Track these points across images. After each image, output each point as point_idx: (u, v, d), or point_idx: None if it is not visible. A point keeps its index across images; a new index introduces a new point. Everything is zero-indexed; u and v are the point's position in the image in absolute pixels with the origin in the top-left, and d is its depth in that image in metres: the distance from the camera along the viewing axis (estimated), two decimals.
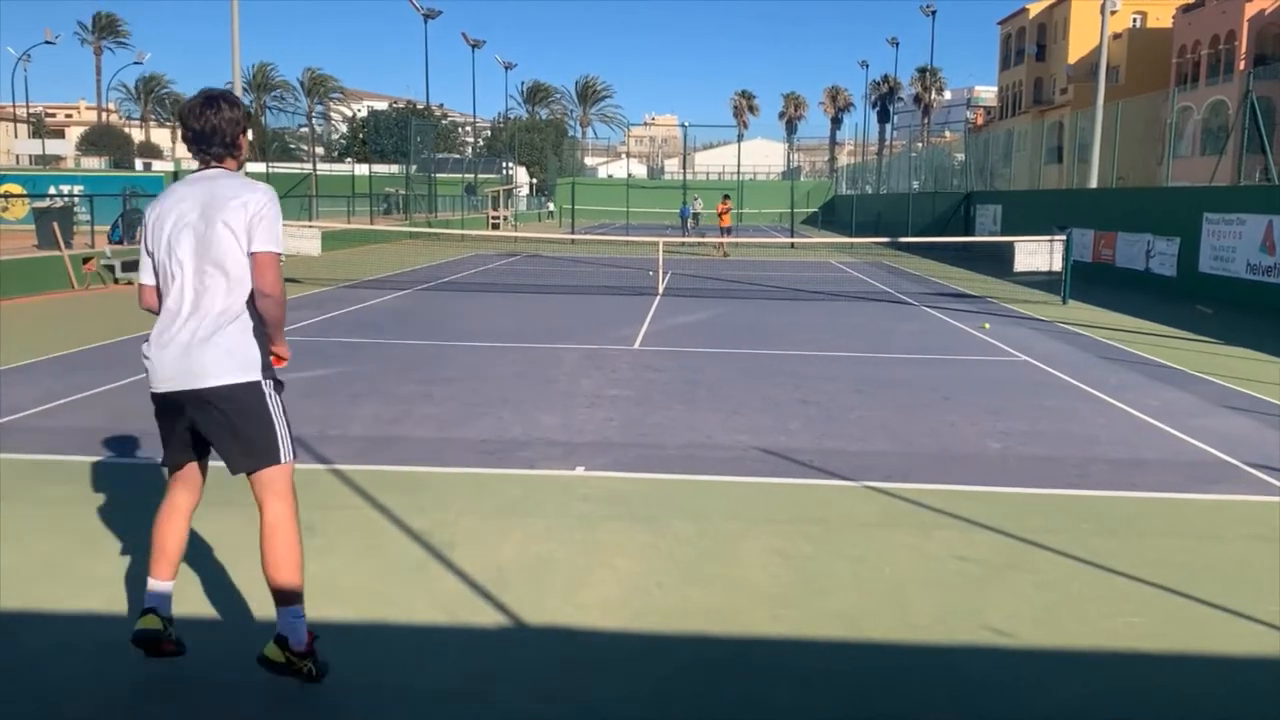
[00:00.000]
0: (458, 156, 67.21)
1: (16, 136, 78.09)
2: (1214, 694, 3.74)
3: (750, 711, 3.53)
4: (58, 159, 69.57)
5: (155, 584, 3.63)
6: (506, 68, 77.83)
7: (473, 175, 57.56)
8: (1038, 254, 18.09)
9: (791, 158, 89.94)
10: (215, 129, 3.49)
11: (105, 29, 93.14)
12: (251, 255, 3.41)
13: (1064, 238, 17.97)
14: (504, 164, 64.27)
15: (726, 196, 33.25)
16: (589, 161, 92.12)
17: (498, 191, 47.40)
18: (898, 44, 77.39)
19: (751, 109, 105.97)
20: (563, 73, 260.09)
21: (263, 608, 4.26)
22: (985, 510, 5.76)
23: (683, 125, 70.95)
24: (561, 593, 4.49)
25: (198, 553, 4.91)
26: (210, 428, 3.54)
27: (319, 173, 50.82)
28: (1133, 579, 4.76)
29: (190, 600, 4.35)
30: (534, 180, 71.24)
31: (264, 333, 3.52)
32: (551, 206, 63.71)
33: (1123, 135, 25.19)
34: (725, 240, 30.15)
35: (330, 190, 43.05)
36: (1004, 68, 72.42)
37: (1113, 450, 7.24)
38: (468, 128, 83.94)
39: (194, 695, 3.59)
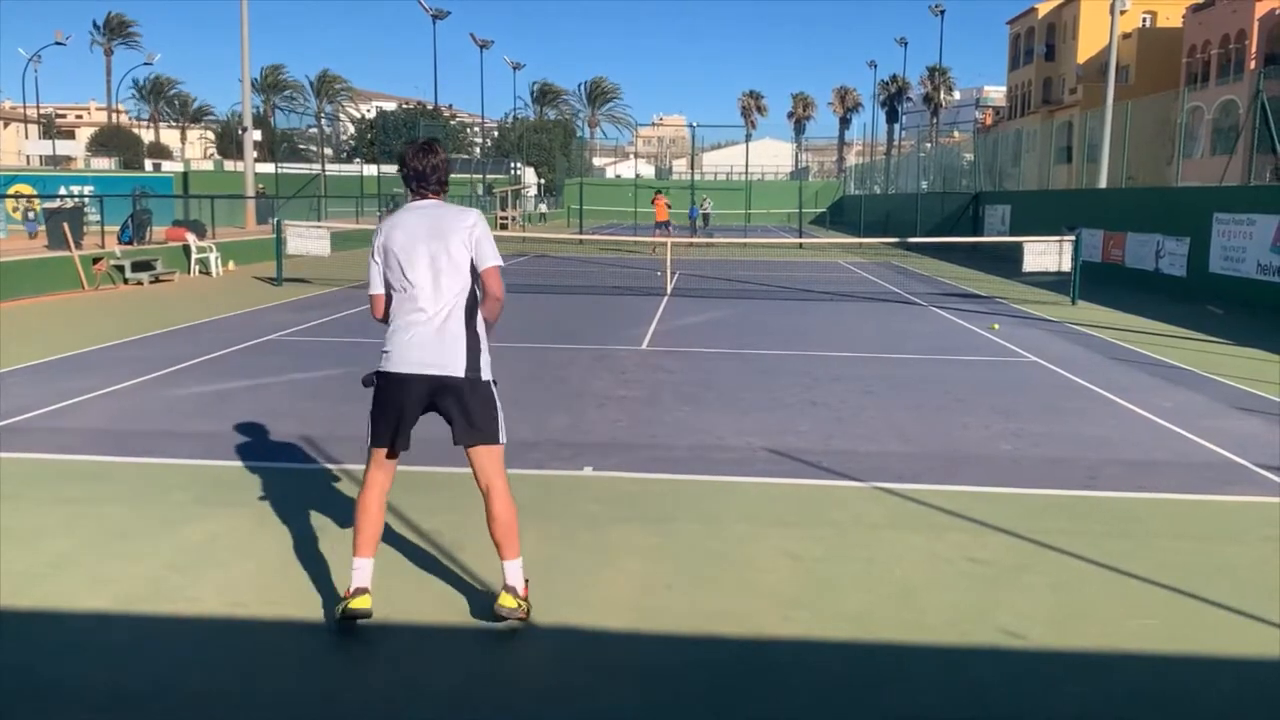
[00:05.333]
0: (466, 157, 67.20)
1: (27, 137, 78.31)
2: (1227, 696, 3.71)
3: (761, 713, 3.52)
4: (68, 160, 69.79)
5: (364, 561, 4.07)
6: (515, 68, 77.93)
7: (481, 176, 57.52)
8: (1047, 254, 18.03)
9: (800, 158, 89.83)
10: (433, 169, 4.14)
11: (116, 30, 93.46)
12: (483, 271, 4.08)
13: (1073, 238, 17.92)
14: (512, 164, 64.25)
15: (659, 192, 33.41)
16: (597, 162, 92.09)
17: (506, 192, 47.43)
18: (906, 44, 76.94)
19: (760, 109, 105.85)
20: (571, 73, 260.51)
21: (261, 609, 4.27)
22: (996, 512, 5.74)
23: (691, 125, 70.62)
24: (570, 593, 4.48)
25: (199, 553, 4.91)
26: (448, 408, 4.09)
27: (328, 173, 50.88)
28: (1145, 581, 4.74)
29: (188, 602, 4.35)
30: (542, 180, 71.17)
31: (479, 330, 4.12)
32: (544, 208, 61.96)
33: (1132, 135, 25.11)
34: (659, 238, 29.62)
35: (339, 191, 43.10)
36: (1013, 67, 72.22)
37: (1124, 452, 7.21)
38: (476, 128, 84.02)
39: (198, 697, 3.58)
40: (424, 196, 4.15)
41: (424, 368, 3.98)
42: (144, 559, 4.81)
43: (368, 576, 4.05)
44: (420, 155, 4.12)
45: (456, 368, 3.99)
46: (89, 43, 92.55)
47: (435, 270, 4.02)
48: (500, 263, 4.10)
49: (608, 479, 6.30)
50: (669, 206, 32.66)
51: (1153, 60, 54.15)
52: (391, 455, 4.19)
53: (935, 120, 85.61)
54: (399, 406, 4.06)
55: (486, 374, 4.07)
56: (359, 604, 3.97)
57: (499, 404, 4.14)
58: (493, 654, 3.93)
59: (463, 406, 4.02)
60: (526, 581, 4.16)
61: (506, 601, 4.05)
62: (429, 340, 3.99)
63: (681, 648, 4.01)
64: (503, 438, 4.14)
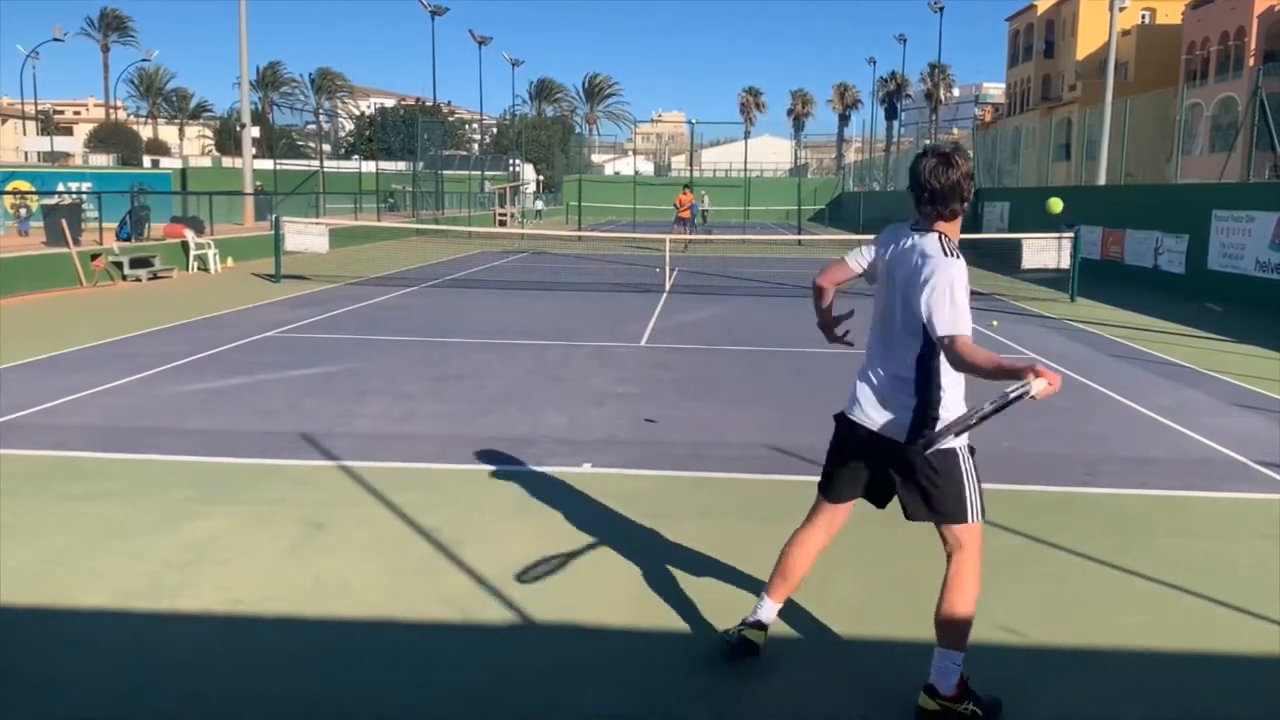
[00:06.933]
0: (464, 154, 67.16)
1: (25, 134, 78.18)
2: (1224, 693, 3.72)
3: (761, 709, 3.52)
4: (66, 156, 69.74)
5: (768, 602, 3.80)
6: (513, 65, 77.93)
7: (479, 173, 57.44)
8: (1046, 251, 18.03)
9: (799, 155, 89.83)
10: (953, 187, 3.36)
11: (113, 26, 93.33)
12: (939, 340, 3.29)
13: (1072, 235, 17.91)
14: (511, 161, 64.19)
15: (686, 186, 33.48)
16: (596, 159, 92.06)
17: (504, 189, 47.41)
18: (905, 41, 77.10)
19: (759, 106, 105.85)
20: (570, 69, 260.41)
21: (260, 606, 4.27)
22: (995, 508, 5.71)
23: (690, 122, 70.64)
24: (570, 590, 4.48)
25: (198, 550, 4.91)
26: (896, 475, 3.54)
27: (326, 170, 50.86)
28: (1143, 577, 4.74)
29: (187, 599, 4.35)
30: (540, 178, 71.10)
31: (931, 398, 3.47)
32: (540, 205, 60.90)
33: (1131, 132, 25.09)
34: (688, 236, 29.81)
35: (338, 187, 43.10)
36: (1012, 64, 72.20)
37: (1122, 448, 7.21)
38: (474, 125, 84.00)
39: (197, 695, 3.58)
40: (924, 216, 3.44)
41: (869, 422, 3.53)
42: (143, 556, 4.81)
43: (771, 613, 3.79)
44: (939, 169, 3.35)
45: (897, 431, 3.46)
46: (85, 38, 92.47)
47: (890, 314, 3.59)
48: (954, 332, 3.23)
49: (606, 475, 6.31)
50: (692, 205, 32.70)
51: (1152, 57, 54.11)
52: (832, 501, 3.80)
53: (934, 117, 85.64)
54: (844, 452, 3.66)
55: (949, 441, 3.36)
56: (754, 635, 3.73)
57: (968, 475, 3.50)
58: (493, 652, 3.93)
59: (912, 478, 3.47)
60: (964, 680, 3.45)
61: (925, 703, 3.42)
62: (874, 392, 3.56)
63: (681, 644, 4.01)
64: (973, 517, 3.51)
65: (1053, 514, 5.69)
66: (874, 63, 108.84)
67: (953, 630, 3.45)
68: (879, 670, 3.84)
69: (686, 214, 31.79)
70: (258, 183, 33.47)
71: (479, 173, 57.60)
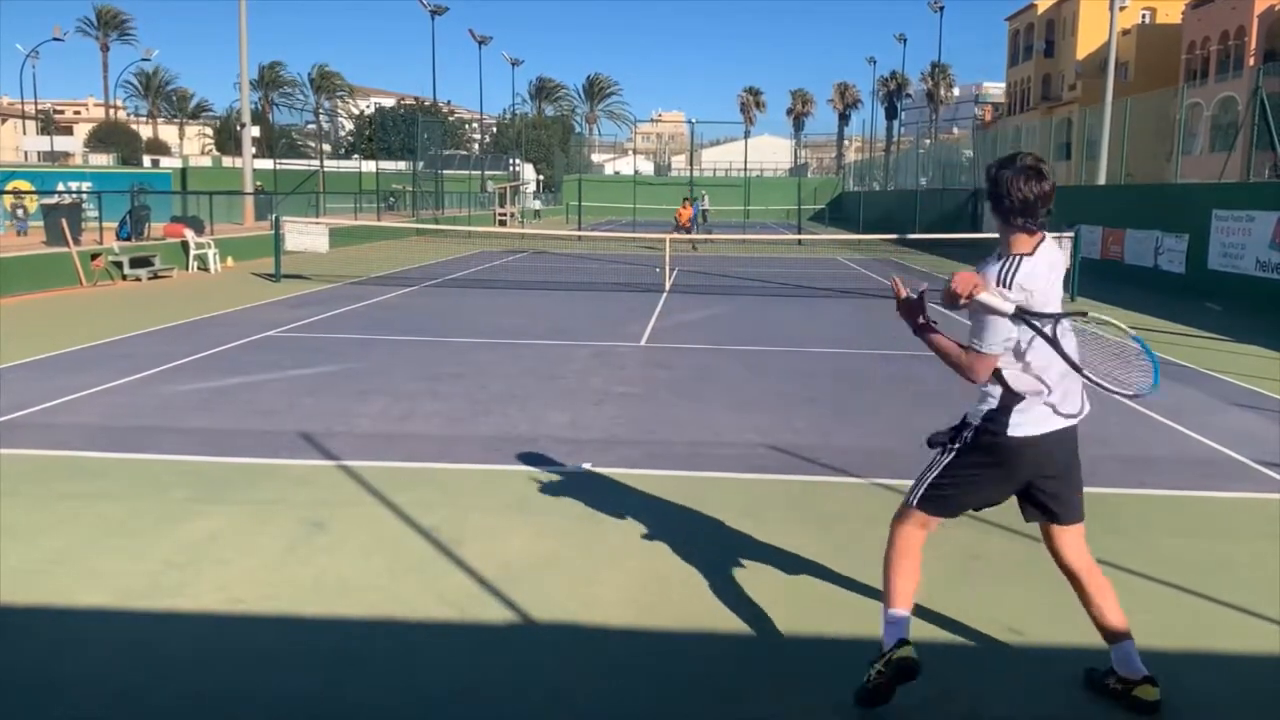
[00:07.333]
0: (464, 154, 67.16)
1: (25, 133, 78.15)
2: (1224, 692, 3.72)
3: (762, 709, 3.52)
4: (66, 156, 69.72)
5: (904, 612, 3.68)
6: (513, 64, 77.97)
7: (479, 173, 57.41)
8: None
9: (799, 154, 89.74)
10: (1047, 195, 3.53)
11: (111, 25, 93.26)
12: None
13: (1072, 234, 17.90)
14: (511, 161, 64.18)
15: (686, 199, 35.27)
16: (596, 158, 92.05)
17: (504, 189, 47.41)
18: (906, 40, 77.11)
19: (759, 105, 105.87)
20: (570, 69, 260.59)
21: (259, 605, 4.27)
22: (997, 509, 5.71)
23: (690, 122, 70.70)
24: (569, 589, 4.48)
25: (197, 550, 4.91)
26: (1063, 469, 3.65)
27: (326, 170, 50.85)
28: (1143, 577, 4.74)
29: (187, 598, 4.35)
30: (540, 177, 71.01)
31: None
32: (540, 205, 59.82)
33: (1132, 132, 25.07)
34: (690, 237, 30.44)
35: (337, 187, 43.10)
36: (1012, 64, 72.18)
37: (1123, 448, 7.21)
38: (474, 125, 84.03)
39: (197, 695, 3.58)
40: (1032, 233, 3.62)
41: (1079, 413, 3.65)
42: (142, 555, 4.81)
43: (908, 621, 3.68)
44: (1033, 179, 3.51)
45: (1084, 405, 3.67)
46: (83, 37, 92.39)
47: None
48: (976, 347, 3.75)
49: (606, 475, 6.30)
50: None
51: (1152, 57, 54.10)
52: (948, 517, 3.97)
53: (935, 117, 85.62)
54: (1005, 473, 3.74)
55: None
56: (907, 651, 3.53)
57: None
58: (493, 652, 3.93)
59: (1069, 464, 3.64)
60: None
61: (1150, 693, 3.49)
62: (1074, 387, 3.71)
63: (682, 644, 4.01)
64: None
65: None
66: (874, 62, 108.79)
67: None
68: None
69: (687, 225, 32.14)
70: (258, 182, 33.47)
71: (479, 172, 57.57)
